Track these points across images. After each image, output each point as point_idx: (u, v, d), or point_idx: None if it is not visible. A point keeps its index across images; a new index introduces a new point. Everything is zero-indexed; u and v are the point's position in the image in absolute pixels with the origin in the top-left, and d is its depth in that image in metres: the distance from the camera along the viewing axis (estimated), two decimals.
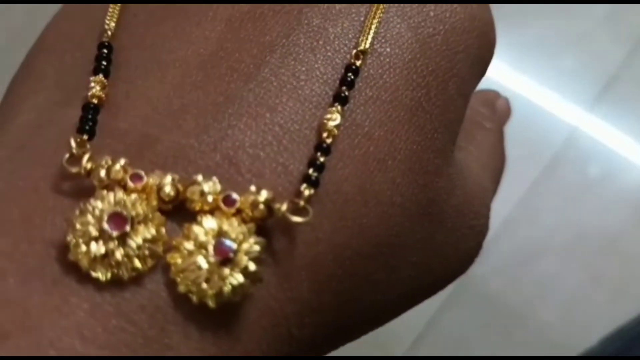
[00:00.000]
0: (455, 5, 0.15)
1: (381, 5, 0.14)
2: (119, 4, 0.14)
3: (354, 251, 0.13)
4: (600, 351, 0.31)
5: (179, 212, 0.12)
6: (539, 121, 0.39)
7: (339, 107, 0.13)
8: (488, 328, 0.38)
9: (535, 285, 0.38)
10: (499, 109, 0.20)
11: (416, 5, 0.14)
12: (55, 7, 0.16)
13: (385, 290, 0.14)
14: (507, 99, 0.20)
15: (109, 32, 0.14)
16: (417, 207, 0.14)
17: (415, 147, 0.14)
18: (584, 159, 0.40)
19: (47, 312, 0.10)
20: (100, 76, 0.13)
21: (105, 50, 0.13)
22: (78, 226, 0.11)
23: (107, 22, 0.14)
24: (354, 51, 0.13)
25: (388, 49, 0.14)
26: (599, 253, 0.39)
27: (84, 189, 0.12)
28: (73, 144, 0.12)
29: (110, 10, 0.14)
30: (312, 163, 0.12)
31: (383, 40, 0.14)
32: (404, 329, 0.35)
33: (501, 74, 0.40)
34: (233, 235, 0.11)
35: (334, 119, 0.12)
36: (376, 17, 0.14)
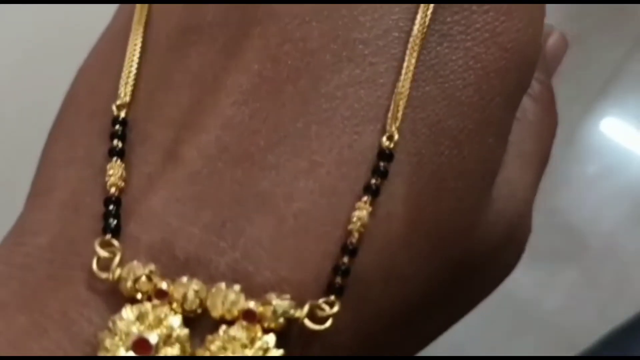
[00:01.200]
0: (487, 42, 0.13)
1: (411, 64, 0.13)
2: (134, 65, 0.14)
3: (376, 328, 0.13)
4: (599, 351, 0.32)
5: (202, 318, 0.12)
6: None
7: (369, 201, 0.12)
8: (488, 332, 0.39)
9: (533, 287, 0.39)
10: (549, 53, 0.18)
11: (443, 54, 0.13)
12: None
13: (417, 343, 0.15)
14: (561, 33, 0.18)
15: (120, 102, 0.14)
16: (446, 268, 0.13)
17: (444, 213, 0.13)
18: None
19: None
20: (116, 161, 0.13)
21: (119, 127, 0.13)
22: (107, 346, 0.11)
23: (122, 88, 0.14)
24: (381, 128, 0.13)
25: (411, 114, 0.13)
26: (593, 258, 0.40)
27: (114, 288, 0.12)
28: (98, 249, 0.12)
29: (125, 72, 0.14)
30: (337, 268, 0.12)
31: (408, 105, 0.13)
32: None
33: None
34: (251, 351, 0.12)
35: (362, 217, 0.12)
36: (407, 80, 0.13)
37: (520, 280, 0.39)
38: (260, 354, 0.12)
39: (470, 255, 0.14)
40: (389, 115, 0.13)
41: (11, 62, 0.36)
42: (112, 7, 0.16)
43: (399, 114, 0.12)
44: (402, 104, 0.13)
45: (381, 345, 0.13)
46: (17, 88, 0.36)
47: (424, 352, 0.41)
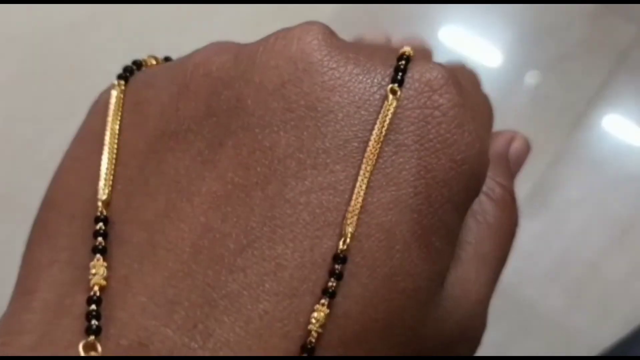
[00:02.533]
0: (438, 153, 0.14)
1: (366, 175, 0.14)
2: (109, 166, 0.15)
3: None
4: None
5: None
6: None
7: (326, 302, 0.13)
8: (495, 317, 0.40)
9: (520, 311, 0.40)
10: (513, 156, 0.19)
11: (397, 163, 0.14)
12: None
13: None
14: (525, 138, 0.19)
15: (101, 202, 0.15)
16: None
17: (395, 310, 0.14)
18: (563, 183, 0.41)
19: None
20: (99, 259, 0.14)
21: (101, 226, 0.14)
22: None
23: (102, 189, 0.15)
24: (340, 233, 0.14)
25: (367, 219, 0.14)
26: (580, 276, 0.40)
27: None
28: (81, 350, 0.13)
29: (105, 173, 0.15)
30: None
31: (363, 211, 0.14)
32: None
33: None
34: None
35: (320, 318, 0.13)
36: (362, 189, 0.14)
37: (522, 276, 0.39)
38: None
39: (420, 350, 0.15)
40: (345, 220, 0.14)
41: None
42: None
43: (354, 219, 0.14)
44: (356, 210, 0.14)
45: None
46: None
47: None
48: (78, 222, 0.15)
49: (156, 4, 0.46)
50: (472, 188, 0.15)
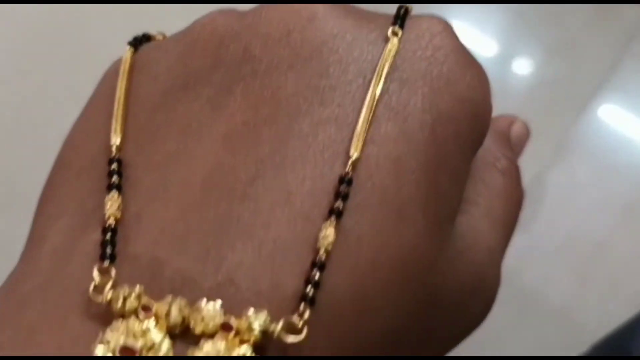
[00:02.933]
0: (443, 85, 0.15)
1: (372, 106, 0.14)
2: (120, 115, 0.15)
3: (350, 351, 0.14)
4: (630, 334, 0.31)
5: (186, 334, 0.13)
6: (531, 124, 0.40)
7: (334, 221, 0.13)
8: (482, 334, 0.40)
9: (528, 290, 0.40)
10: (514, 138, 0.19)
11: (403, 97, 0.15)
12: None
13: None
14: (524, 122, 0.20)
15: (114, 149, 0.15)
16: (413, 301, 0.14)
17: (407, 243, 0.14)
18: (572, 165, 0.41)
19: None
20: (114, 194, 0.14)
21: (115, 166, 0.15)
22: (97, 354, 0.12)
23: (113, 137, 0.15)
24: (347, 161, 0.14)
25: (375, 150, 0.14)
26: (588, 257, 0.40)
27: (106, 316, 0.13)
28: (96, 275, 0.13)
29: (114, 123, 0.15)
30: (308, 280, 0.13)
31: (371, 142, 0.14)
32: None
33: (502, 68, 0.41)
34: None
35: (329, 235, 0.13)
36: (367, 120, 0.14)
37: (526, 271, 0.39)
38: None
39: (435, 293, 0.15)
40: (352, 146, 0.14)
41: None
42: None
43: (359, 145, 0.14)
44: (362, 137, 0.14)
45: None
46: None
47: None
48: (87, 175, 0.15)
49: (167, 4, 0.46)
50: (476, 130, 0.16)
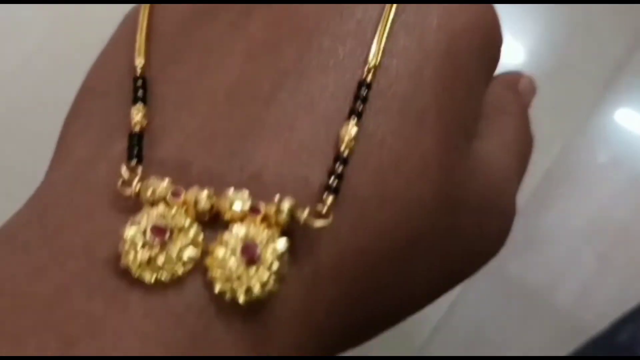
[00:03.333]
0: (456, 9, 0.16)
1: (387, 21, 0.15)
2: (143, 41, 0.16)
3: (375, 249, 0.14)
4: (613, 333, 0.32)
5: (215, 222, 0.13)
6: (550, 108, 0.40)
7: (355, 121, 0.14)
8: (504, 314, 0.40)
9: (550, 271, 0.40)
10: (522, 90, 0.20)
11: (419, 16, 0.15)
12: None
13: (410, 284, 0.15)
14: (531, 77, 0.21)
15: (139, 67, 0.15)
16: (435, 203, 0.15)
17: (427, 147, 0.15)
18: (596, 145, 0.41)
19: (109, 320, 0.12)
20: (139, 105, 0.15)
21: (140, 83, 0.15)
22: (127, 237, 0.13)
23: (137, 59, 0.16)
24: (365, 67, 0.14)
25: (394, 62, 0.15)
26: (611, 238, 0.40)
27: (134, 210, 0.13)
28: (124, 170, 0.14)
29: (137, 47, 0.16)
30: (332, 173, 0.13)
31: (389, 54, 0.15)
32: (420, 320, 0.36)
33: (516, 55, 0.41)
34: (258, 239, 0.13)
35: (350, 132, 0.14)
36: (384, 32, 0.15)
37: (536, 268, 0.39)
38: (265, 241, 0.13)
39: (453, 203, 0.15)
40: (370, 56, 0.14)
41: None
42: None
43: (379, 53, 0.14)
44: (381, 45, 0.15)
45: (379, 273, 0.14)
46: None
47: (444, 340, 0.41)
48: (112, 95, 0.16)
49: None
50: (490, 50, 0.16)
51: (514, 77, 0.21)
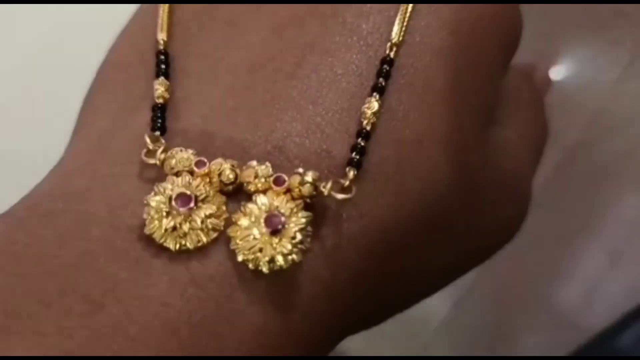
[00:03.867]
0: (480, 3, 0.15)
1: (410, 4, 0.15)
2: (166, 17, 0.16)
3: (396, 225, 0.14)
4: (618, 331, 0.32)
5: (238, 193, 0.13)
6: (560, 105, 0.40)
7: (377, 97, 0.14)
8: (509, 313, 0.40)
9: (558, 267, 0.40)
10: (538, 81, 0.21)
11: (436, 5, 0.15)
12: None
13: (429, 261, 0.16)
14: (547, 69, 0.21)
15: (162, 42, 0.15)
16: (454, 182, 0.15)
17: (448, 127, 0.15)
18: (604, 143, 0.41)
19: (134, 285, 0.12)
20: (162, 79, 0.15)
21: (162, 57, 0.15)
22: (152, 204, 0.13)
23: (159, 34, 0.16)
24: (388, 44, 0.14)
25: (418, 39, 0.15)
26: (619, 235, 0.40)
27: (158, 180, 0.13)
28: (148, 140, 0.14)
29: (160, 22, 0.16)
30: (354, 148, 0.13)
31: (413, 32, 0.15)
32: (423, 322, 0.36)
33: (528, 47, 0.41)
34: (282, 210, 0.13)
35: (372, 107, 0.14)
36: (407, 10, 0.15)
37: (544, 264, 0.39)
38: (289, 212, 0.13)
39: (473, 182, 0.15)
40: (393, 33, 0.14)
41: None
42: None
43: (401, 32, 0.14)
44: (403, 25, 0.14)
45: (398, 250, 0.14)
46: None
47: (448, 338, 0.40)
48: (135, 69, 0.16)
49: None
50: (510, 35, 0.16)
51: (530, 68, 0.21)
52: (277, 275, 0.13)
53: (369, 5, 0.15)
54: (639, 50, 0.41)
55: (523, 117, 0.19)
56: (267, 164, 0.13)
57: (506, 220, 0.17)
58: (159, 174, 0.13)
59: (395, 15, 0.15)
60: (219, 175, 0.13)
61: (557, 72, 0.40)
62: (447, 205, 0.15)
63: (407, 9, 0.15)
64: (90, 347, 0.11)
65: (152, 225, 0.12)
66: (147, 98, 0.15)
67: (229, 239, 0.13)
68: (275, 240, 0.12)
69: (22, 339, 0.11)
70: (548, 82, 0.22)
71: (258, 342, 0.12)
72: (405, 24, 0.15)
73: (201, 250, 0.13)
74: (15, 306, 0.12)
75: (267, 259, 0.12)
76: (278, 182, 0.13)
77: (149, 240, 0.12)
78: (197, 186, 0.13)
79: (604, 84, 0.42)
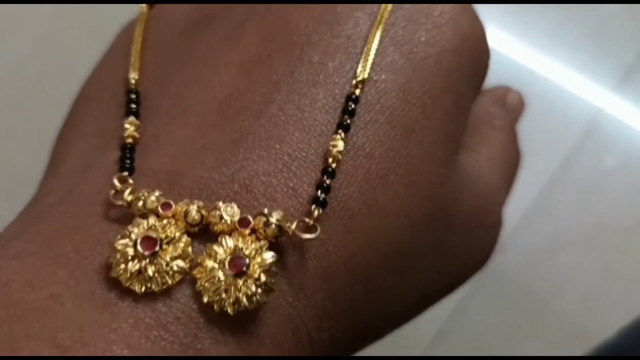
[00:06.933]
0: (444, 26, 0.16)
1: (376, 36, 0.15)
2: (138, 54, 0.16)
3: (364, 260, 0.14)
4: (618, 342, 0.32)
5: (204, 234, 0.13)
6: (558, 110, 0.40)
7: (342, 134, 0.14)
8: (508, 320, 0.40)
9: (555, 277, 0.39)
10: (510, 105, 0.21)
11: (408, 31, 0.15)
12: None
13: (399, 295, 0.16)
14: (519, 93, 0.21)
15: (133, 81, 0.16)
16: (423, 216, 0.15)
17: (415, 161, 0.15)
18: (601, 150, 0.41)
19: (100, 329, 0.12)
20: (132, 118, 0.15)
21: (133, 96, 0.15)
22: (118, 248, 0.13)
23: (131, 73, 0.16)
24: (354, 81, 0.15)
25: (383, 76, 0.15)
26: (617, 243, 0.40)
27: (125, 221, 0.13)
28: (116, 182, 0.14)
29: (132, 61, 0.16)
30: (320, 186, 0.14)
31: (378, 69, 0.15)
32: (424, 322, 0.36)
33: (526, 58, 0.41)
34: (247, 252, 0.13)
35: (338, 145, 0.14)
36: (372, 48, 0.15)
37: (540, 273, 0.39)
38: (253, 253, 0.13)
39: (442, 214, 0.15)
40: (359, 70, 0.15)
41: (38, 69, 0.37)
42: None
43: (367, 67, 0.15)
44: (369, 61, 0.15)
45: (368, 285, 0.15)
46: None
47: (446, 345, 0.40)
48: (106, 106, 0.16)
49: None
50: (478, 64, 0.16)
51: (502, 92, 0.21)
52: (243, 315, 0.13)
53: (335, 43, 0.15)
54: (636, 58, 0.41)
55: (493, 143, 0.19)
56: (233, 204, 0.13)
57: (479, 250, 0.17)
58: (127, 214, 0.14)
59: (361, 53, 0.15)
60: (185, 216, 0.13)
61: (555, 78, 0.40)
62: (416, 238, 0.15)
63: (371, 46, 0.15)
64: None
65: (118, 269, 0.13)
66: (118, 136, 0.15)
67: (194, 280, 0.13)
68: (240, 281, 0.13)
69: None
70: (521, 105, 0.21)
71: None
72: (370, 61, 0.15)
73: (166, 293, 0.13)
74: None
75: (231, 300, 0.12)
76: (243, 223, 0.13)
77: (114, 282, 0.13)
78: (163, 228, 0.13)
79: (602, 91, 0.42)
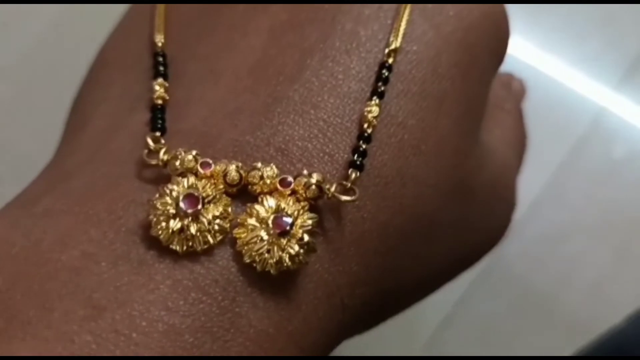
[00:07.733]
0: (471, 5, 0.16)
1: (407, 8, 0.15)
2: (162, 20, 0.16)
3: (396, 228, 0.14)
4: (626, 329, 0.32)
5: (243, 194, 0.13)
6: (565, 102, 0.40)
7: (377, 101, 0.14)
8: (515, 309, 0.40)
9: (562, 266, 0.39)
10: (514, 90, 0.21)
11: (437, 6, 0.16)
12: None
13: (425, 263, 0.16)
14: (521, 79, 0.22)
15: (160, 44, 0.15)
16: (449, 186, 0.15)
17: (444, 131, 0.15)
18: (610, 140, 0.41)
19: (136, 289, 0.12)
20: (161, 80, 0.15)
21: (160, 58, 0.15)
22: (158, 206, 0.12)
23: (157, 36, 0.16)
24: (386, 50, 0.15)
25: (415, 47, 0.15)
26: (625, 233, 0.40)
27: (158, 181, 0.13)
28: (150, 140, 0.13)
29: (156, 24, 0.16)
30: (356, 150, 0.14)
31: (409, 40, 0.15)
32: (432, 308, 0.36)
33: (529, 54, 0.41)
34: (289, 212, 0.13)
35: (373, 111, 0.14)
36: (403, 18, 0.15)
37: (548, 262, 0.39)
38: (296, 214, 0.13)
39: (466, 185, 0.16)
40: (391, 39, 0.15)
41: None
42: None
43: (399, 38, 0.15)
44: (400, 30, 0.15)
45: (399, 251, 0.15)
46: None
47: (451, 335, 0.40)
48: (131, 70, 0.16)
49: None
50: (499, 43, 0.17)
51: (507, 78, 0.22)
52: (283, 277, 0.13)
53: (366, 12, 0.15)
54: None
55: (505, 124, 0.19)
56: (272, 165, 0.13)
57: (496, 224, 0.18)
58: (159, 175, 0.13)
59: (392, 23, 0.15)
60: (224, 176, 0.13)
61: (561, 70, 0.40)
62: (443, 208, 0.15)
63: (402, 16, 0.15)
64: (92, 353, 0.11)
65: (158, 227, 0.12)
66: (144, 98, 0.15)
67: (233, 241, 0.13)
68: (283, 241, 0.12)
69: (23, 343, 0.11)
70: (524, 91, 0.22)
71: (261, 345, 0.12)
72: (401, 31, 0.15)
73: (206, 253, 0.12)
74: (15, 310, 0.11)
75: (274, 260, 0.12)
76: (284, 183, 0.13)
77: (151, 242, 0.12)
78: (203, 187, 0.13)
79: (608, 83, 0.42)
